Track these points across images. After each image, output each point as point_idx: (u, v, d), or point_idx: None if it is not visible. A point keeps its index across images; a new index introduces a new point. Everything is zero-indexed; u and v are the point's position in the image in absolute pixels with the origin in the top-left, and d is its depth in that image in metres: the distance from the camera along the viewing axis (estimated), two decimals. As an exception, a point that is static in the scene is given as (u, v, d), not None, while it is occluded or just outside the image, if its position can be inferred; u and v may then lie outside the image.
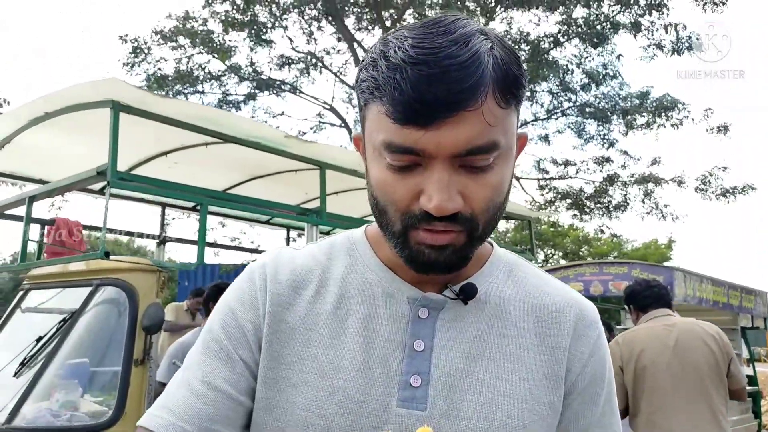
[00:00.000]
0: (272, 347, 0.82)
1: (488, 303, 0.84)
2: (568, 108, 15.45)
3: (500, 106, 0.71)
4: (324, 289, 0.85)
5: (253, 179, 4.68)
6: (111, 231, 4.92)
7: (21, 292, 3.84)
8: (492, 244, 0.93)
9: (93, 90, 2.89)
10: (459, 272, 0.84)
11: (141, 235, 5.05)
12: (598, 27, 13.34)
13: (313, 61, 14.96)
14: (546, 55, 13.88)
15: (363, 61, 0.76)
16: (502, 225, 22.88)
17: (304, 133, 14.83)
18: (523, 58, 14.12)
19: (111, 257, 2.97)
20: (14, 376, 3.15)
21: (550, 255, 24.70)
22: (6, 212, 4.00)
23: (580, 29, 13.51)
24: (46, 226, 4.28)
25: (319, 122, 15.65)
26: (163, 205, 4.98)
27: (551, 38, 13.86)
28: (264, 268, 0.87)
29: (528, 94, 15.42)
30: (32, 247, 4.28)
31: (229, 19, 13.92)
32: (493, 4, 13.45)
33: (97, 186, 4.49)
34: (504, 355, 0.82)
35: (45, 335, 3.19)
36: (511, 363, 0.82)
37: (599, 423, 0.87)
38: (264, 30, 14.19)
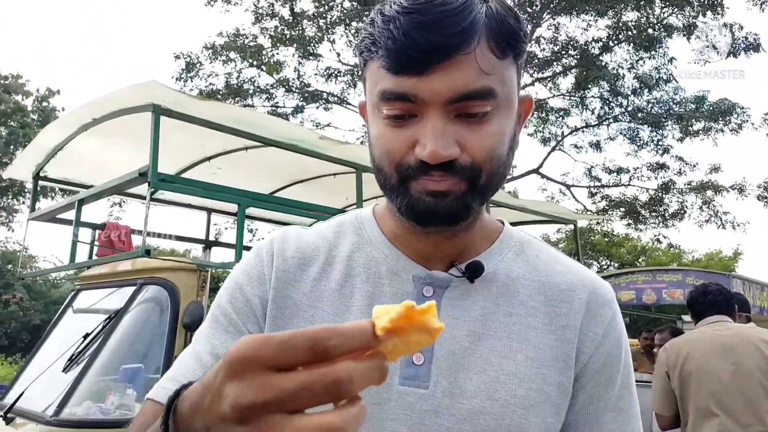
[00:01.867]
0: (276, 323, 0.82)
1: (495, 281, 0.82)
2: (620, 114, 15.08)
3: (495, 55, 0.71)
4: (330, 267, 0.85)
5: (294, 184, 4.75)
6: (159, 235, 5.08)
7: (72, 293, 4.00)
8: (503, 223, 0.91)
9: (134, 94, 3.00)
10: (466, 249, 0.83)
11: (188, 240, 5.18)
12: (650, 30, 13.00)
13: (360, 72, 15.12)
14: (595, 60, 13.61)
15: (364, 23, 0.77)
16: (551, 233, 22.45)
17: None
18: (572, 63, 14.00)
19: (153, 256, 3.06)
20: (63, 371, 3.28)
21: (605, 266, 24.05)
22: (59, 216, 4.19)
23: (630, 33, 13.19)
24: (97, 231, 4.46)
25: (365, 133, 15.77)
26: (209, 210, 5.11)
27: (600, 42, 13.59)
28: (272, 244, 0.87)
29: (578, 99, 15.39)
30: (85, 250, 4.47)
31: (278, 35, 14.25)
32: (539, 10, 13.30)
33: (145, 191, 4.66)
34: (510, 334, 0.80)
35: (91, 333, 3.30)
36: (518, 342, 0.79)
37: (616, 406, 0.83)
38: (311, 44, 14.46)
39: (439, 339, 0.77)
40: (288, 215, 4.75)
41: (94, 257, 4.30)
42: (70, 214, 4.03)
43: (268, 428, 0.41)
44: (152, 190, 2.97)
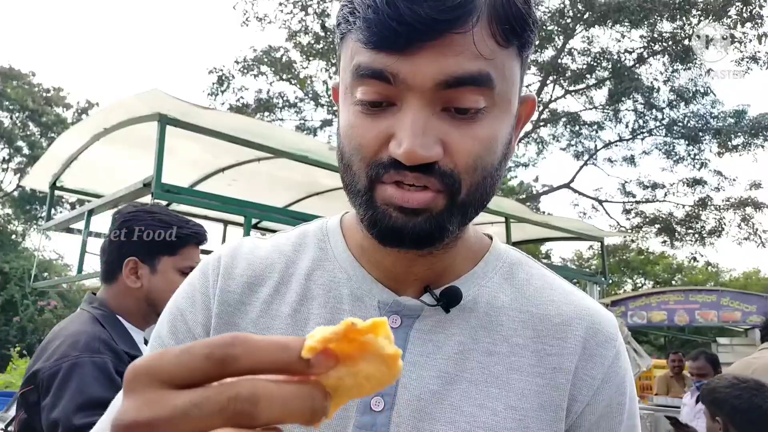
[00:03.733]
0: None
1: (476, 311, 0.69)
2: (655, 128, 14.73)
3: (497, 41, 0.58)
4: (285, 287, 0.72)
5: (309, 197, 4.68)
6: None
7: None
8: (491, 238, 0.77)
9: (139, 103, 2.96)
10: (445, 271, 0.70)
11: (203, 251, 5.14)
12: (686, 42, 12.67)
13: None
14: (629, 72, 13.33)
15: None
16: (584, 249, 21.97)
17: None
18: (605, 75, 13.73)
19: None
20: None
21: (640, 284, 23.44)
22: (73, 227, 4.20)
23: (665, 44, 12.88)
24: (111, 241, 4.45)
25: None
26: (225, 222, 5.07)
27: (633, 52, 13.31)
28: (219, 260, 0.75)
29: (611, 113, 15.08)
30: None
31: (309, 49, 14.36)
32: (571, 21, 13.10)
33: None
34: (489, 377, 0.66)
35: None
36: (497, 387, 0.66)
37: None
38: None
39: (404, 380, 0.65)
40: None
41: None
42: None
43: None
44: (155, 200, 2.92)
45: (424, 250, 0.63)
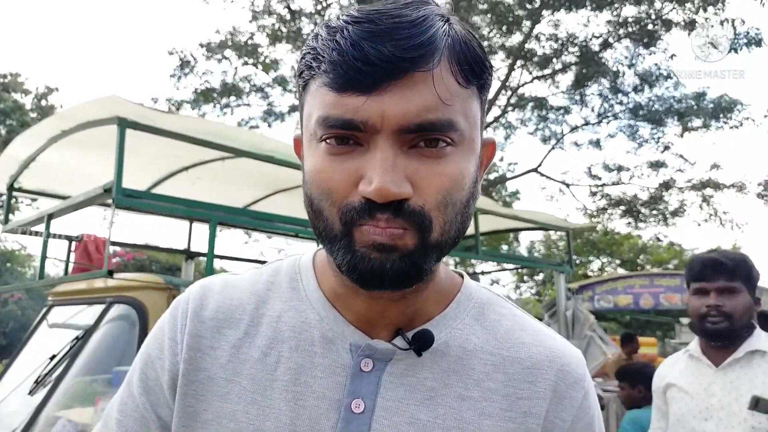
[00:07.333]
0: (186, 401, 0.70)
1: (448, 355, 0.70)
2: (620, 111, 14.92)
3: (458, 81, 0.60)
4: (255, 329, 0.72)
5: (276, 193, 4.63)
6: (139, 247, 4.96)
7: (45, 309, 3.88)
8: (463, 276, 0.78)
9: (98, 107, 2.88)
10: (417, 313, 0.70)
11: (169, 251, 5.07)
12: (650, 26, 12.81)
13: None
14: (595, 57, 13.45)
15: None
16: (553, 232, 22.27)
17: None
18: (571, 60, 13.83)
19: (118, 276, 2.94)
20: (29, 393, 3.17)
21: (607, 263, 23.91)
22: (33, 229, 4.07)
23: (630, 29, 13.01)
24: (73, 243, 4.34)
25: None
26: (191, 220, 4.98)
27: (600, 38, 13.42)
28: (188, 302, 0.74)
29: (577, 97, 15.25)
30: (61, 263, 4.35)
31: (275, 32, 14.11)
32: (538, 6, 13.12)
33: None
34: (461, 422, 0.67)
35: (58, 353, 3.19)
36: None
37: None
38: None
39: (376, 426, 0.66)
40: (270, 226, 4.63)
41: (70, 271, 4.19)
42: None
43: None
44: (116, 205, 2.85)
45: (404, 290, 0.63)
